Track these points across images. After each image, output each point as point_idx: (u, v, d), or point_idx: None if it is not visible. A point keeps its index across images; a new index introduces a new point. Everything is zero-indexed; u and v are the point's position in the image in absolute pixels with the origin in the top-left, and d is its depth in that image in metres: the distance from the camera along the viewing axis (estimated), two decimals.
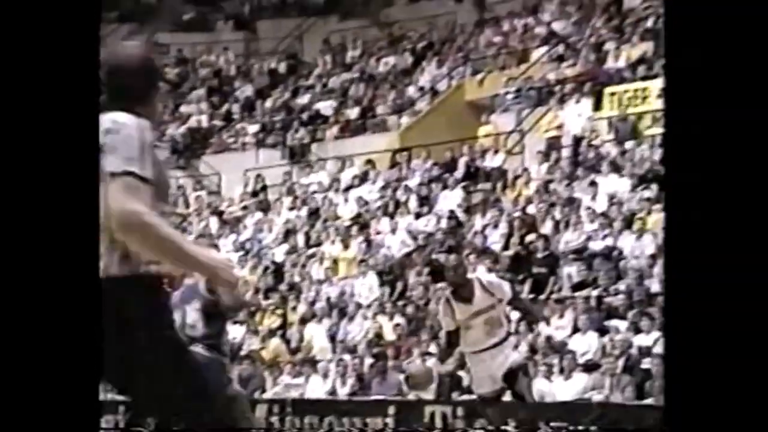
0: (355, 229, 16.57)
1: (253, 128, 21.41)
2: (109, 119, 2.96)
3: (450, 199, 16.54)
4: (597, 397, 11.71)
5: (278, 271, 16.72)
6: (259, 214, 18.39)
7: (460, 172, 17.25)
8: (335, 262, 16.06)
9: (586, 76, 17.43)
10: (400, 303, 14.77)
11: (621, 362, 11.80)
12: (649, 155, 14.97)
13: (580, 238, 13.89)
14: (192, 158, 21.38)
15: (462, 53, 20.64)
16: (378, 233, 16.41)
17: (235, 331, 15.20)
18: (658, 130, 15.65)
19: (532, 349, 12.48)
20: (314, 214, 17.74)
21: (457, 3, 22.71)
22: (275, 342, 15.13)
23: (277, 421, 12.75)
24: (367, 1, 24.16)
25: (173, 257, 2.90)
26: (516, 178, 16.17)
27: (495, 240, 14.91)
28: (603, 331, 12.47)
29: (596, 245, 13.68)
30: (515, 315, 13.32)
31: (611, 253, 13.46)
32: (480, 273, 10.41)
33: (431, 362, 12.75)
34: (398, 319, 14.41)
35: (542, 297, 13.46)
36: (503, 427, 8.22)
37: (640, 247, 13.26)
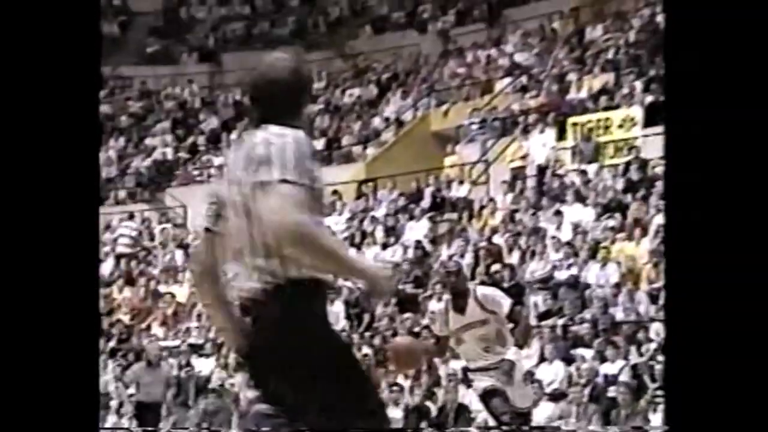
0: None
1: (218, 160, 21.37)
2: (265, 132, 2.91)
3: (416, 230, 16.59)
4: (564, 426, 11.74)
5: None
6: None
7: (426, 203, 17.31)
8: None
9: (549, 107, 17.61)
10: (368, 334, 14.75)
11: (587, 391, 11.85)
12: (612, 184, 15.11)
13: (545, 268, 13.97)
14: (157, 191, 21.30)
15: (426, 84, 20.78)
16: None
17: (202, 365, 15.10)
18: (621, 159, 15.82)
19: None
20: None
21: (421, 34, 22.90)
22: (243, 375, 15.04)
23: None
24: (331, 33, 24.29)
25: (335, 265, 2.86)
26: (482, 208, 16.26)
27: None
28: (569, 360, 12.53)
29: (561, 275, 13.76)
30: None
31: (576, 283, 13.55)
32: (480, 285, 9.67)
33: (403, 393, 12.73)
34: (366, 350, 14.39)
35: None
36: None
37: (604, 276, 13.37)
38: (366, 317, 15.21)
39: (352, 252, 2.81)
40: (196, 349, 15.21)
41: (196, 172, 21.46)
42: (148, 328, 16.90)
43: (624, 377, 11.74)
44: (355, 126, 20.71)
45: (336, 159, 20.31)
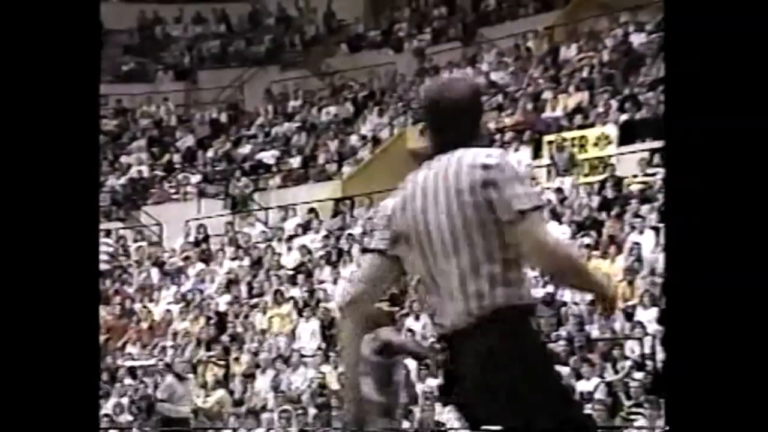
0: (300, 278, 16.53)
1: (194, 178, 21.33)
2: (485, 155, 2.84)
3: None
4: None
5: (221, 321, 16.59)
6: (201, 265, 18.26)
7: None
8: (271, 318, 15.99)
9: (525, 125, 17.71)
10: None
11: None
12: (587, 202, 15.21)
13: None
14: (132, 209, 21.22)
15: (403, 102, 20.86)
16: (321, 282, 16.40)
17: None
18: (596, 177, 15.92)
19: None
20: (257, 263, 17.68)
21: (396, 53, 22.99)
22: (219, 393, 14.97)
23: None
24: (307, 52, 24.34)
25: (581, 278, 2.84)
26: None
27: None
28: None
29: (537, 292, 13.82)
30: None
31: (552, 300, 13.60)
32: None
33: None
34: (343, 368, 14.37)
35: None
36: None
37: (580, 293, 13.42)
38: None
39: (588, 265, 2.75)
40: (171, 369, 15.12)
41: (171, 190, 21.40)
42: (123, 346, 16.80)
43: (599, 395, 11.78)
44: (331, 144, 20.74)
45: (313, 177, 20.32)
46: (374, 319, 5.05)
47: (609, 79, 17.86)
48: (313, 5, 25.23)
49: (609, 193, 15.16)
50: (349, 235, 17.26)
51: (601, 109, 17.07)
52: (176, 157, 22.36)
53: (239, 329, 16.23)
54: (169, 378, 13.16)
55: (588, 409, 11.69)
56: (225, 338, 16.12)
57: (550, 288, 13.79)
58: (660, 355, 11.79)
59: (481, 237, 2.78)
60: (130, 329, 17.04)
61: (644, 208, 14.31)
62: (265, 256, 17.65)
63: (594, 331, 12.75)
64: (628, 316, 12.77)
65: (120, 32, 24.81)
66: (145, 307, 17.28)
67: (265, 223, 19.37)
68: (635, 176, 15.39)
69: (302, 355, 15.00)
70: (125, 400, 15.32)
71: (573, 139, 16.58)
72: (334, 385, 14.19)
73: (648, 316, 12.53)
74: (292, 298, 16.10)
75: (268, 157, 21.05)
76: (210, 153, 22.02)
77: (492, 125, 18.27)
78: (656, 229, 13.83)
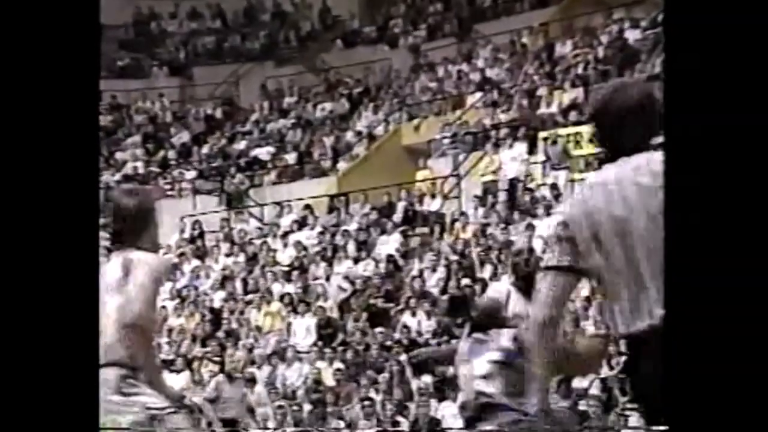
0: (295, 274, 16.54)
1: (189, 174, 21.31)
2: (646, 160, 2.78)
3: (388, 244, 16.62)
4: None
5: (216, 318, 16.59)
6: (196, 261, 18.26)
7: (397, 217, 17.35)
8: (267, 314, 15.99)
9: (520, 121, 17.72)
10: (340, 348, 14.74)
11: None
12: None
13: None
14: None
15: (398, 98, 20.85)
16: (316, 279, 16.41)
17: (174, 380, 15.01)
18: (591, 173, 15.91)
19: None
20: (252, 259, 17.68)
21: (392, 49, 22.98)
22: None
23: None
24: (303, 48, 24.32)
25: None
26: (453, 221, 16.32)
27: (433, 284, 14.99)
28: None
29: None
30: None
31: None
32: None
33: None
34: (338, 364, 14.38)
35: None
36: None
37: (575, 289, 13.43)
38: (337, 331, 15.21)
39: None
40: (167, 365, 15.12)
41: (167, 186, 21.38)
42: None
43: (594, 390, 11.81)
44: (326, 140, 20.74)
45: (308, 173, 20.32)
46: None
47: (604, 75, 17.86)
48: (309, 1, 25.21)
49: None
50: (345, 231, 17.26)
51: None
52: (171, 153, 22.34)
53: (234, 325, 16.24)
54: (220, 378, 12.78)
55: (582, 405, 11.72)
56: (220, 334, 16.12)
57: None
58: None
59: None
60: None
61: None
62: (260, 252, 17.65)
63: (589, 327, 12.77)
64: None
65: (115, 27, 24.76)
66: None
67: (261, 220, 19.37)
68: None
69: (297, 351, 15.01)
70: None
71: (568, 135, 16.59)
72: (329, 381, 14.21)
73: None
74: (287, 294, 16.09)
75: (264, 153, 21.04)
76: (205, 149, 22.00)
77: (487, 121, 18.28)
78: None
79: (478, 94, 19.20)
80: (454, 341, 7.32)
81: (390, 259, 15.97)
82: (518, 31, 20.55)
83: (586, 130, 16.57)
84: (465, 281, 14.44)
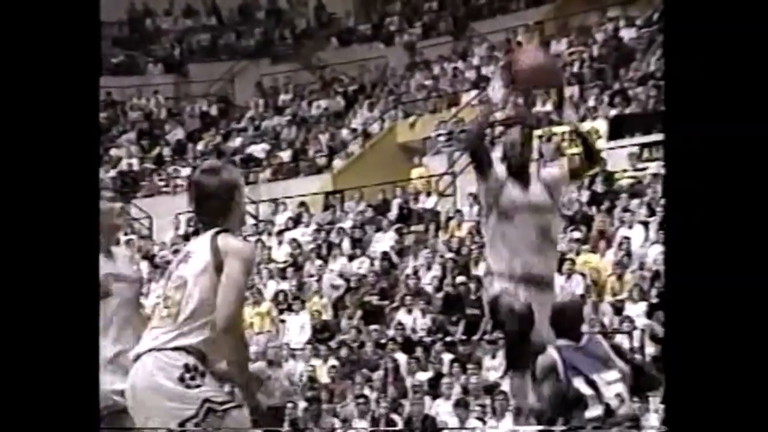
0: (290, 271, 16.53)
1: (184, 171, 21.29)
2: None
3: (383, 241, 16.62)
4: None
5: None
6: None
7: (393, 214, 17.35)
8: (257, 314, 15.96)
9: (515, 119, 17.72)
10: (334, 345, 14.74)
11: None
12: (577, 196, 15.24)
13: None
14: (122, 202, 21.15)
15: (393, 96, 20.86)
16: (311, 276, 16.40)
17: None
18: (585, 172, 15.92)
19: (465, 391, 12.55)
20: None
21: (387, 47, 22.98)
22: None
23: None
24: (298, 45, 24.31)
25: None
26: (448, 219, 16.32)
27: (428, 281, 15.00)
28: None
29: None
30: (448, 357, 13.42)
31: None
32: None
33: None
34: (332, 361, 14.39)
35: (475, 338, 13.56)
36: None
37: (569, 287, 13.46)
38: (332, 328, 15.21)
39: None
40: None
41: (161, 183, 21.36)
42: None
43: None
44: (322, 138, 20.73)
45: (303, 170, 20.32)
46: None
47: (599, 73, 17.89)
48: None
49: (599, 187, 15.20)
50: (340, 228, 17.26)
51: (591, 104, 17.09)
52: (166, 150, 22.32)
53: None
54: (259, 364, 12.49)
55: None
56: None
57: None
58: (649, 349, 11.83)
59: None
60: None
61: (634, 203, 14.35)
62: (255, 249, 17.63)
63: (583, 326, 12.77)
64: (617, 310, 12.82)
65: (110, 24, 24.71)
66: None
67: (256, 217, 19.36)
68: (625, 171, 15.42)
69: (292, 349, 15.01)
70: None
71: (563, 133, 16.61)
72: (324, 379, 14.21)
73: (637, 310, 12.58)
74: (281, 291, 16.08)
75: (259, 150, 21.03)
76: (200, 146, 21.98)
77: (481, 119, 18.28)
78: (645, 224, 13.88)
79: (474, 92, 19.21)
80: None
81: (385, 256, 15.98)
82: (513, 29, 20.57)
83: (581, 128, 16.57)
84: (460, 279, 14.45)
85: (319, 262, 16.63)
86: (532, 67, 5.77)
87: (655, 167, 14.86)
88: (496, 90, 6.15)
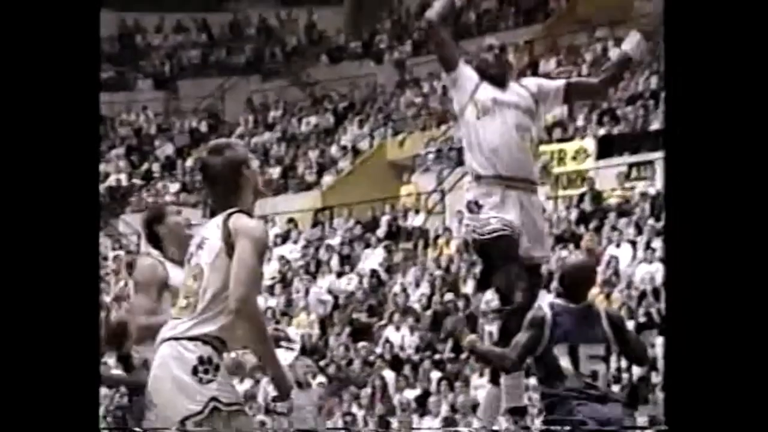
0: (278, 288, 16.51)
1: (173, 187, 21.27)
2: None
3: (372, 258, 16.62)
4: None
5: None
6: None
7: (381, 231, 17.36)
8: None
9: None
10: (322, 362, 14.71)
11: (538, 422, 11.90)
12: (566, 216, 15.28)
13: (500, 298, 14.05)
14: (110, 217, 21.13)
15: (383, 114, 20.91)
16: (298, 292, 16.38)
17: None
18: (574, 191, 16.01)
19: (453, 409, 12.53)
20: None
21: (377, 64, 23.05)
22: None
23: None
24: (288, 62, 24.36)
25: None
26: (437, 237, 16.34)
27: (416, 299, 15.00)
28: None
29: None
30: (436, 375, 13.40)
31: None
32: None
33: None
34: (320, 378, 14.35)
35: (463, 356, 13.56)
36: None
37: None
38: (320, 346, 15.18)
39: None
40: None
41: (150, 199, 21.33)
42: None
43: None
44: (311, 154, 20.75)
45: (292, 187, 20.32)
46: None
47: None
48: (294, 16, 25.26)
49: (587, 206, 15.24)
50: (328, 245, 17.25)
51: (580, 123, 17.16)
52: (155, 166, 22.29)
53: None
54: None
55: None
56: None
57: None
58: (636, 370, 11.83)
59: None
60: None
61: (622, 222, 14.39)
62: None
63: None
64: None
65: (101, 40, 24.73)
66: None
67: None
68: (614, 189, 15.48)
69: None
70: (101, 410, 15.23)
71: (552, 152, 16.66)
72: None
73: None
74: (269, 308, 16.05)
75: None
76: (189, 162, 21.97)
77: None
78: (633, 243, 13.91)
79: None
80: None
81: (373, 274, 15.97)
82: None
83: (570, 147, 16.66)
84: (449, 296, 14.45)
85: (307, 278, 16.61)
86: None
87: (644, 186, 14.92)
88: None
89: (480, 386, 12.91)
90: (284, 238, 18.22)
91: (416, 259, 16.02)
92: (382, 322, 14.84)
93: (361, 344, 14.57)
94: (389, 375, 13.63)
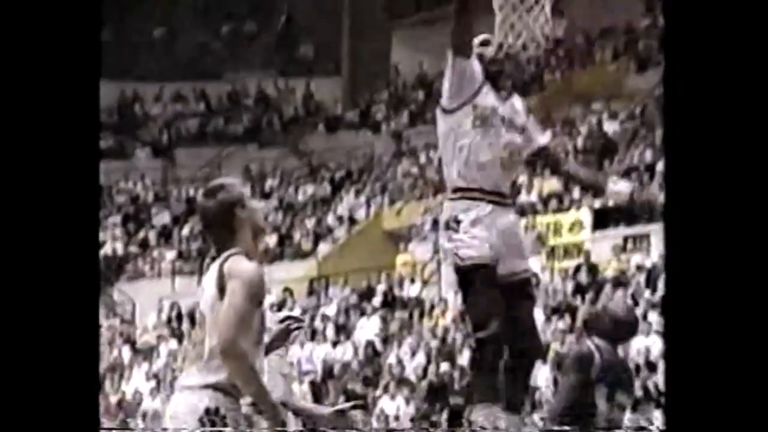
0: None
1: (169, 255, 21.27)
2: None
3: (367, 328, 16.55)
4: None
5: None
6: (174, 343, 18.11)
7: (377, 300, 17.32)
8: None
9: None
10: None
11: None
12: (561, 287, 15.27)
13: None
14: (105, 285, 21.08)
15: (380, 183, 21.01)
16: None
17: None
18: (570, 262, 16.02)
19: None
20: None
21: (374, 134, 23.23)
22: None
23: None
24: (285, 131, 24.55)
25: None
26: (433, 307, 16.30)
27: (412, 369, 14.91)
28: None
29: None
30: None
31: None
32: None
33: None
34: None
35: (460, 429, 13.43)
36: None
37: (553, 378, 13.40)
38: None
39: None
40: None
41: (146, 268, 21.30)
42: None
43: None
44: (308, 223, 20.80)
45: (288, 255, 20.32)
46: None
47: (583, 165, 18.08)
48: (292, 86, 25.52)
49: (583, 278, 15.24)
50: (323, 314, 17.20)
51: (575, 195, 17.25)
52: (151, 234, 22.30)
53: None
54: None
55: None
56: None
57: None
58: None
59: None
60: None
61: (618, 294, 14.38)
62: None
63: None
64: None
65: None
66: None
67: None
68: (609, 262, 15.50)
69: None
70: None
71: (548, 224, 16.72)
72: None
73: None
74: None
75: None
76: (185, 230, 21.99)
77: None
78: None
79: None
80: None
81: (369, 344, 15.90)
82: None
83: (565, 218, 16.72)
84: (444, 367, 14.37)
85: (301, 347, 16.52)
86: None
87: (640, 259, 14.95)
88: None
89: None
90: (279, 306, 18.15)
91: (412, 328, 15.96)
92: (377, 393, 14.73)
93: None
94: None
